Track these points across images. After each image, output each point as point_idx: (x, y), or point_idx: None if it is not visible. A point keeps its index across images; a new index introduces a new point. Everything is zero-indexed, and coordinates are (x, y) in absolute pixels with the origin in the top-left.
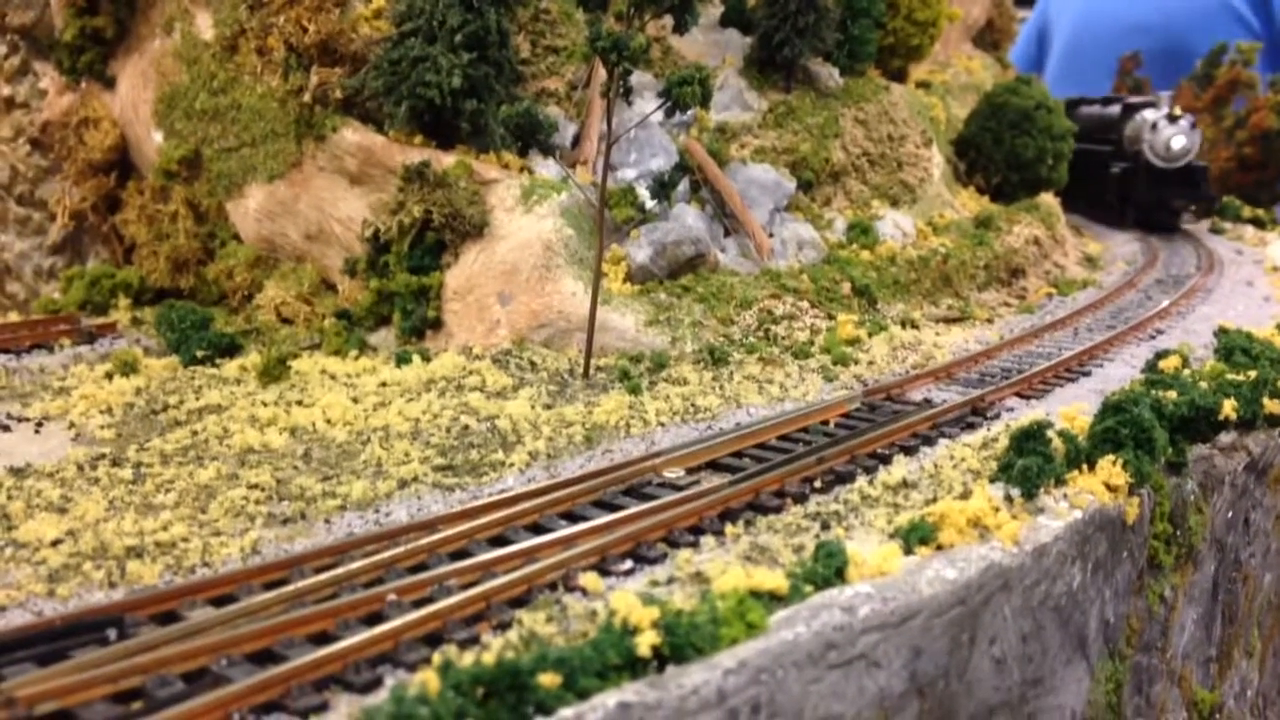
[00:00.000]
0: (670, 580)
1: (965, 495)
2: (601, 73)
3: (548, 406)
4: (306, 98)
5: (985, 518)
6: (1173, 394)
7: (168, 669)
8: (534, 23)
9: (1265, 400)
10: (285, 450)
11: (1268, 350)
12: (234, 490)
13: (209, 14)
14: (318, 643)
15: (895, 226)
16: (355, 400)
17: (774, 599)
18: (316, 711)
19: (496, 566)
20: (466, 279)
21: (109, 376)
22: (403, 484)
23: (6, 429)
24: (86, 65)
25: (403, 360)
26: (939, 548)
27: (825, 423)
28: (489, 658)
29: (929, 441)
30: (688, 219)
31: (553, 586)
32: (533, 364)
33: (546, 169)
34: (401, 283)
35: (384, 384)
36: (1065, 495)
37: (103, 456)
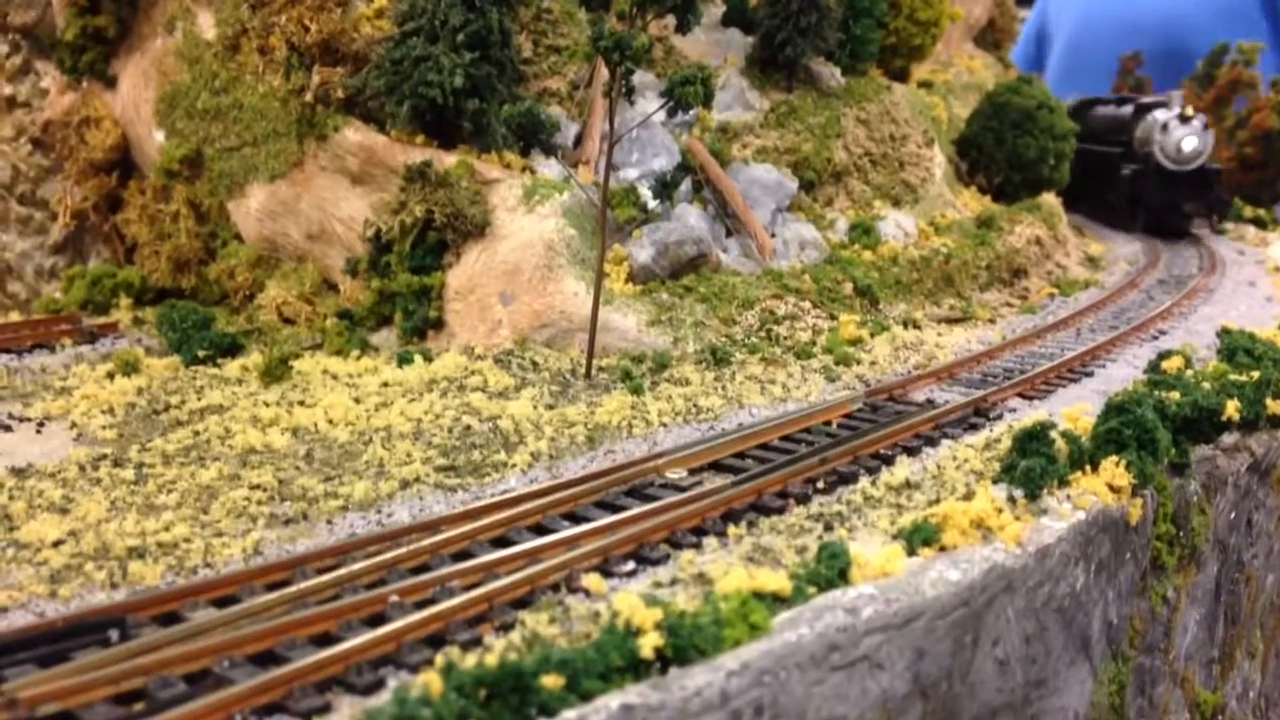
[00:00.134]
0: (673, 581)
1: (968, 496)
2: (604, 72)
3: (550, 407)
4: (308, 97)
5: (988, 519)
6: (1176, 395)
7: (170, 670)
8: (536, 22)
9: (1268, 401)
10: (287, 450)
11: (1270, 351)
12: (236, 491)
13: (211, 13)
14: (320, 644)
15: (897, 226)
16: (357, 400)
17: (777, 600)
18: (319, 713)
19: (499, 567)
20: (468, 279)
21: (110, 376)
22: (405, 484)
23: (8, 429)
24: (88, 64)
25: (404, 360)
26: (942, 549)
27: (828, 423)
28: (492, 659)
29: (932, 442)
30: (690, 219)
31: (555, 588)
32: (535, 364)
33: (548, 169)
34: (403, 283)
35: (386, 384)
36: (1068, 496)
37: (104, 457)
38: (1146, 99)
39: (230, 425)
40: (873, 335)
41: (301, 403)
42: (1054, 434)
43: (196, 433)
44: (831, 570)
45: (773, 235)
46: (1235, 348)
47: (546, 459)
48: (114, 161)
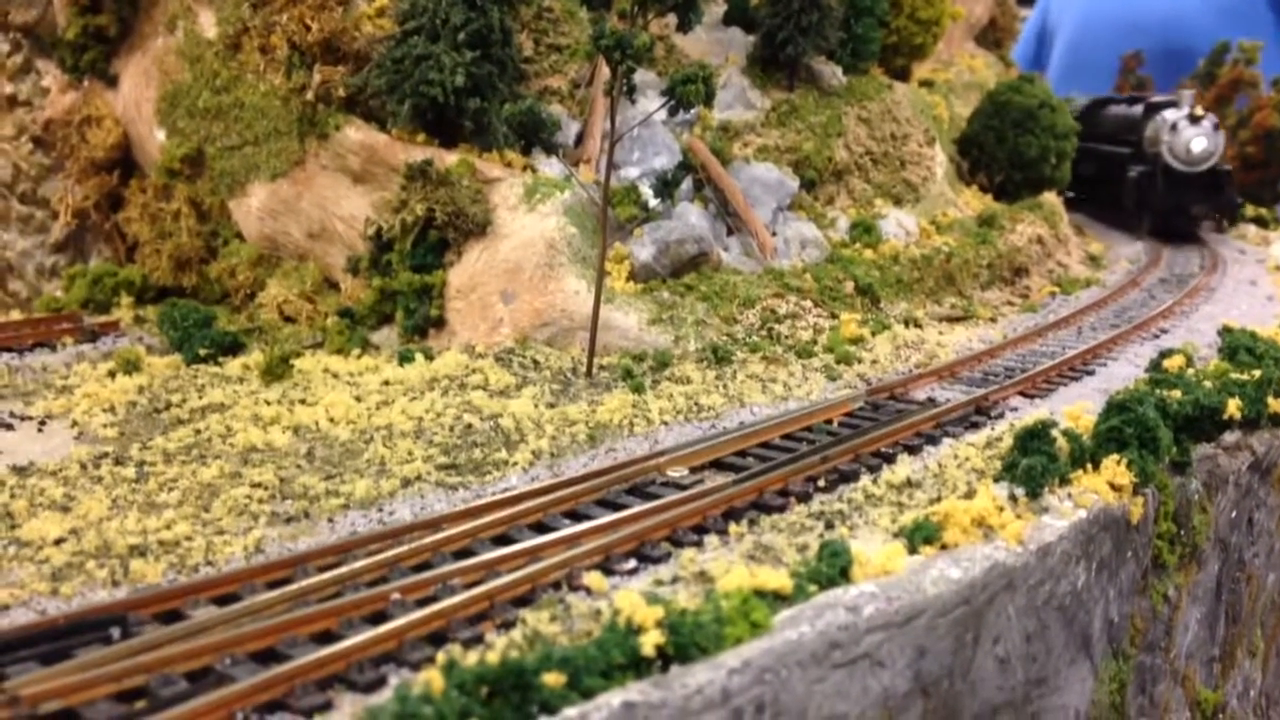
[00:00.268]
0: (674, 579)
1: (969, 494)
2: (605, 71)
3: (551, 405)
4: (309, 96)
5: (989, 517)
6: (1177, 393)
7: (171, 668)
8: (537, 21)
9: (1270, 399)
10: (288, 449)
11: (1272, 349)
12: (237, 489)
13: (212, 12)
14: (321, 642)
15: (898, 225)
16: (358, 399)
17: (778, 598)
18: (320, 710)
19: (500, 565)
20: (469, 277)
21: (111, 375)
22: (406, 483)
23: (9, 427)
24: (89, 63)
25: (405, 359)
26: (943, 547)
27: (829, 421)
28: (493, 657)
29: (933, 440)
30: (691, 218)
31: (557, 585)
32: (536, 363)
33: (549, 167)
34: (404, 281)
35: (387, 383)
36: (1069, 495)
37: (106, 455)
38: (1157, 98)
39: (231, 424)
40: (874, 334)
41: (303, 401)
42: (1055, 432)
43: (198, 431)
44: (833, 568)
45: (774, 234)
46: (1236, 346)
47: (548, 457)
48: (115, 160)
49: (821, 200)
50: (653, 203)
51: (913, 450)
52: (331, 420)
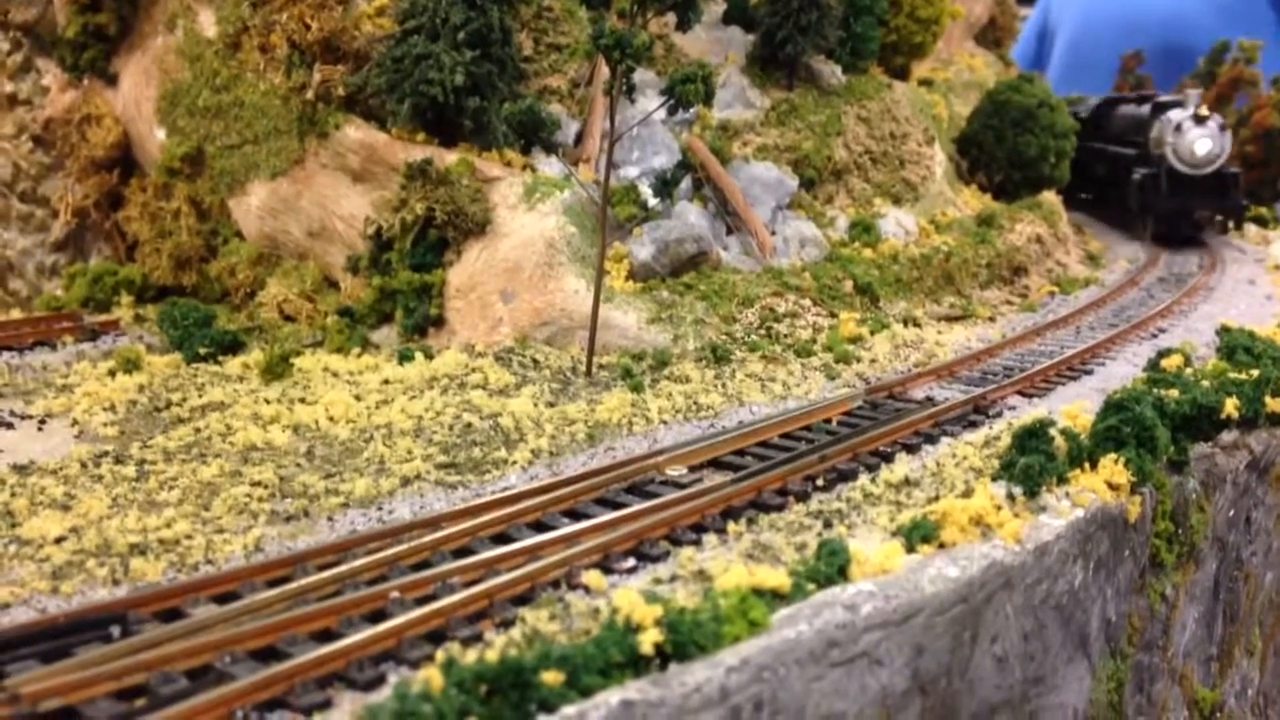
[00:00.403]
0: (673, 578)
1: (967, 493)
2: (604, 70)
3: (550, 404)
4: (309, 95)
5: (987, 516)
6: (1175, 392)
7: (171, 666)
8: (537, 20)
9: (1267, 399)
10: (288, 448)
11: (1270, 349)
12: (237, 487)
13: (212, 11)
14: (321, 640)
15: (897, 224)
16: (358, 398)
17: (776, 597)
18: (320, 709)
19: (499, 564)
20: (469, 277)
21: (112, 374)
22: (405, 481)
23: (10, 426)
24: (89, 62)
25: (405, 358)
26: (941, 546)
27: (828, 421)
28: (492, 655)
29: (931, 439)
30: (690, 217)
31: (555, 584)
32: (535, 362)
33: (549, 167)
34: (404, 280)
35: (386, 381)
36: (1067, 494)
37: (106, 454)
38: (1165, 98)
39: (231, 422)
40: (873, 333)
41: (302, 400)
42: (1053, 432)
43: (198, 430)
44: (831, 567)
45: (773, 233)
46: (1235, 346)
47: (547, 456)
48: (115, 159)
49: (821, 199)
50: (652, 202)
51: (911, 449)
52: (331, 419)
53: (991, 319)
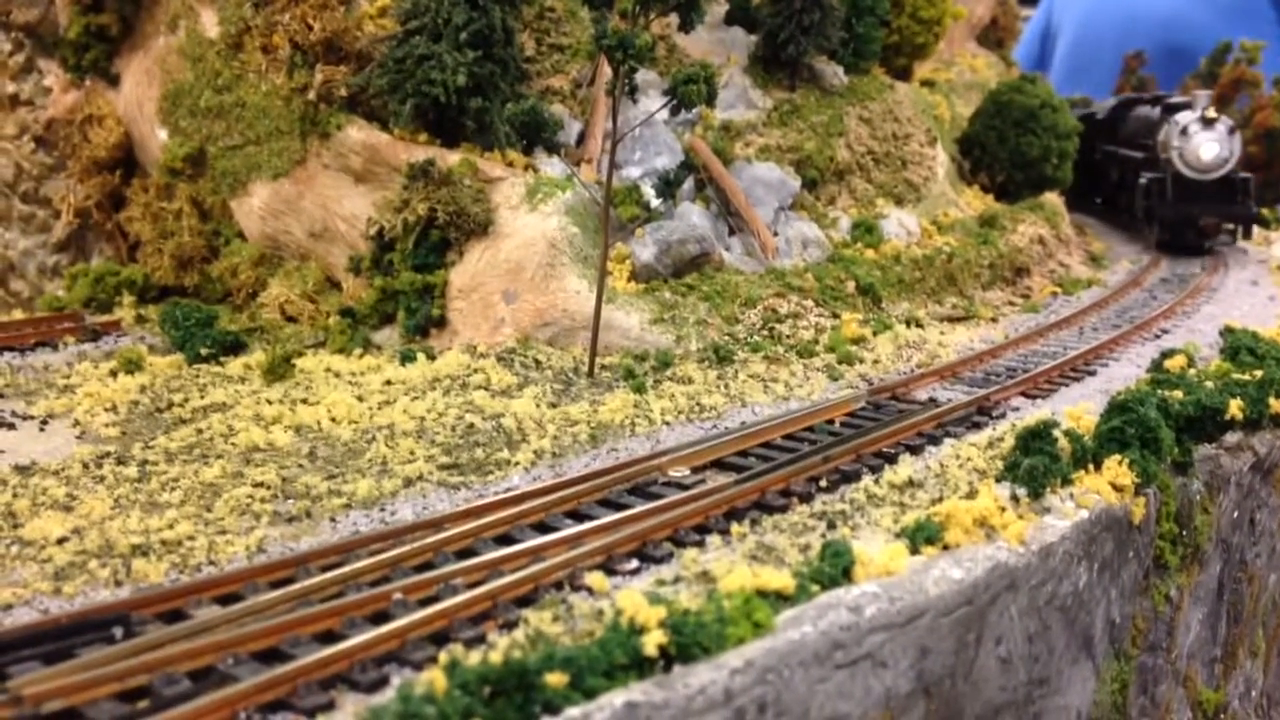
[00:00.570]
0: (676, 579)
1: (971, 495)
2: (606, 71)
3: (553, 405)
4: (311, 95)
5: (991, 517)
6: (1179, 393)
7: (174, 667)
8: (539, 20)
9: (1271, 400)
10: (290, 448)
11: (1274, 350)
12: (239, 488)
13: (214, 11)
14: (324, 641)
15: (900, 225)
16: (360, 398)
17: (780, 598)
18: (323, 710)
19: (502, 565)
20: (471, 277)
21: (113, 374)
22: (408, 482)
23: (11, 427)
24: (91, 63)
25: (407, 358)
26: (945, 547)
27: (830, 422)
28: (496, 657)
29: (935, 441)
30: (692, 217)
31: (559, 585)
32: (537, 362)
33: (551, 167)
34: (406, 281)
35: (389, 382)
36: (1071, 495)
37: (108, 454)
38: (1175, 99)
39: (233, 423)
40: (875, 334)
41: (304, 401)
42: (1057, 433)
43: (200, 430)
44: (835, 568)
45: (775, 234)
46: (1238, 346)
47: (549, 457)
48: (117, 159)
49: (823, 200)
50: (654, 202)
51: (914, 450)
52: (333, 420)
53: (994, 320)
